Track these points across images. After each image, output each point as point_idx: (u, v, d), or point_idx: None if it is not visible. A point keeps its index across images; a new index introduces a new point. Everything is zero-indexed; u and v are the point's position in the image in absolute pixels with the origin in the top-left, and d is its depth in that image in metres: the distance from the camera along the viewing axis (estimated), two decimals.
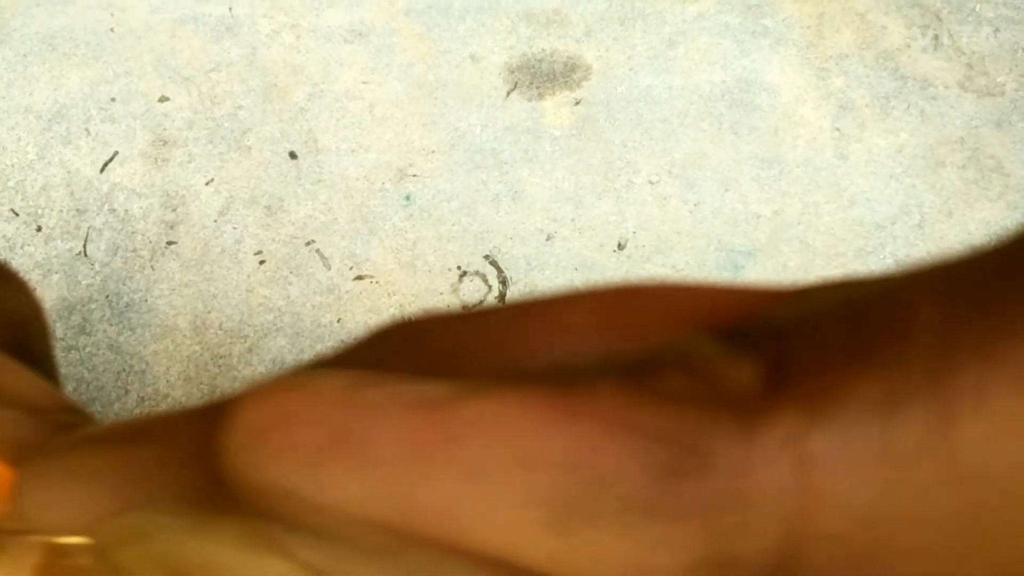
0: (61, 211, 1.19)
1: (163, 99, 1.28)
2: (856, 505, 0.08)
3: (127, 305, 1.14)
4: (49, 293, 1.14)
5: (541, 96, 1.27)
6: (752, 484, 0.08)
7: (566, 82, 1.29)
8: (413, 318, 0.11)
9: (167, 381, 1.09)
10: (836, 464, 0.08)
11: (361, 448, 0.09)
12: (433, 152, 1.23)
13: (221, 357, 1.10)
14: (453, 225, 1.18)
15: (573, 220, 1.19)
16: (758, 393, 0.09)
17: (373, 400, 0.09)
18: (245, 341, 1.12)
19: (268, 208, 1.20)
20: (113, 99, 1.27)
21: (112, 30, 1.33)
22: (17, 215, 1.19)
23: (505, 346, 0.10)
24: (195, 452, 0.11)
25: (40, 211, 1.19)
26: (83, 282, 1.15)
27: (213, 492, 0.10)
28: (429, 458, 0.09)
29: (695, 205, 1.20)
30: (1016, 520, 0.08)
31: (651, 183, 1.21)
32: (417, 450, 0.09)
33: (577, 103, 1.27)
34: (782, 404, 0.08)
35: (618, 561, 0.09)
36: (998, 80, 1.29)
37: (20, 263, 1.16)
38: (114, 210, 1.20)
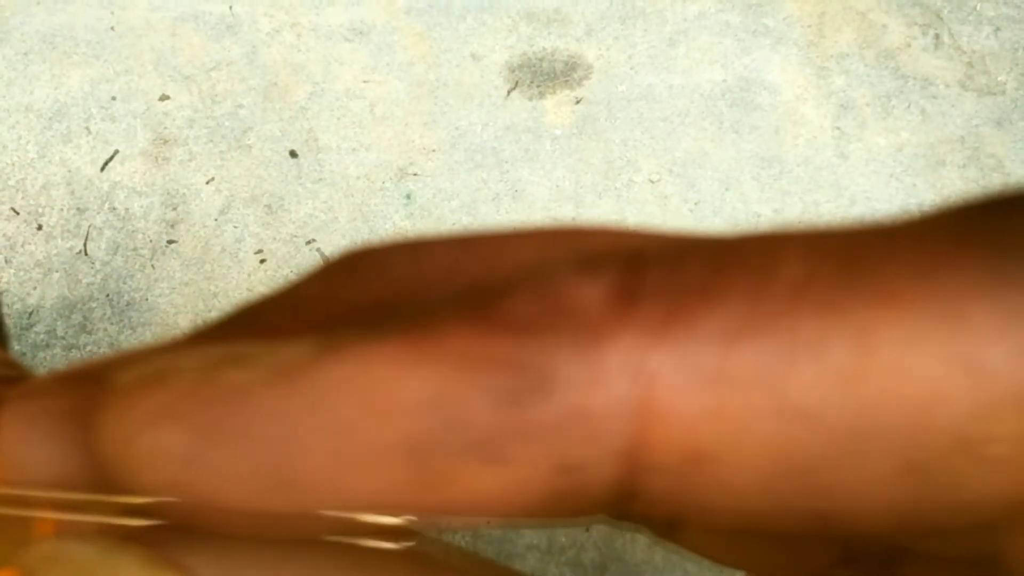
0: (62, 210, 1.19)
1: (164, 98, 1.28)
2: (688, 420, 0.09)
3: (128, 304, 1.14)
4: (50, 292, 1.14)
5: (542, 95, 1.27)
6: (594, 401, 0.09)
7: (567, 81, 1.28)
8: (372, 245, 0.11)
9: None
10: (674, 380, 0.09)
11: (230, 435, 0.09)
12: (434, 151, 1.23)
13: None
14: (454, 224, 1.18)
15: (573, 219, 1.19)
16: (605, 314, 0.09)
17: (232, 382, 0.09)
18: None
19: (269, 207, 1.20)
20: (113, 98, 1.27)
21: (112, 28, 1.32)
22: (18, 214, 1.19)
23: (455, 278, 0.11)
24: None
25: (41, 210, 1.19)
26: (84, 281, 1.15)
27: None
28: (297, 428, 0.09)
29: (696, 204, 1.20)
30: (832, 460, 0.09)
31: (652, 182, 1.21)
32: (284, 423, 0.09)
33: (578, 102, 1.27)
34: (627, 325, 0.09)
35: (476, 485, 0.09)
36: (999, 79, 1.28)
37: (21, 262, 1.16)
38: (115, 209, 1.20)
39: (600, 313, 0.09)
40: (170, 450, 0.09)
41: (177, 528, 0.10)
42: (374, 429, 0.09)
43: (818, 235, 0.09)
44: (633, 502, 0.09)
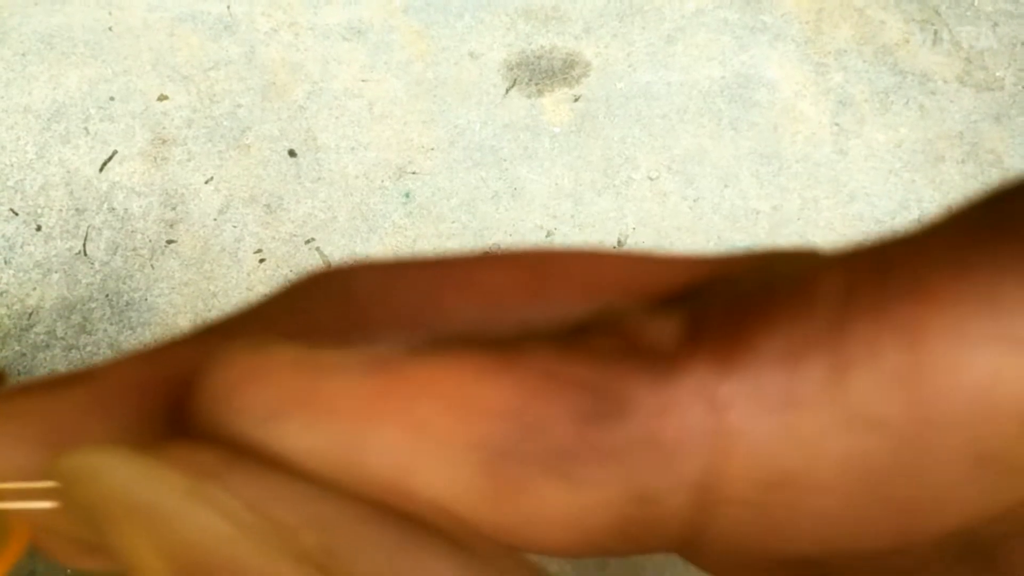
0: (61, 210, 1.19)
1: (162, 98, 1.28)
2: (762, 444, 0.09)
3: (127, 304, 1.14)
4: (49, 292, 1.14)
5: (540, 93, 1.27)
6: (669, 427, 0.09)
7: (565, 79, 1.28)
8: (342, 265, 0.12)
9: None
10: (745, 408, 0.09)
11: (314, 404, 0.09)
12: (432, 149, 1.23)
13: None
14: (453, 223, 1.18)
15: (573, 217, 1.19)
16: (676, 347, 0.09)
17: (327, 361, 0.10)
18: None
19: (268, 206, 1.20)
20: (112, 98, 1.27)
21: (110, 29, 1.32)
22: (17, 215, 1.19)
23: (429, 302, 0.11)
24: (126, 391, 0.11)
25: (40, 210, 1.19)
26: (83, 281, 1.15)
27: (151, 424, 0.11)
28: (377, 412, 0.09)
29: (694, 201, 1.20)
30: (903, 464, 0.09)
31: (650, 179, 1.21)
32: (365, 405, 0.09)
33: (576, 100, 1.27)
34: (697, 355, 0.09)
35: (546, 501, 0.09)
36: (997, 75, 1.28)
37: (20, 262, 1.16)
38: (113, 209, 1.20)
39: (672, 347, 0.09)
40: (262, 405, 0.10)
41: (218, 446, 0.10)
42: (453, 428, 0.09)
43: (852, 251, 0.10)
44: (703, 536, 0.10)
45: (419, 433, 0.09)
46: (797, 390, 0.09)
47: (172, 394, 0.11)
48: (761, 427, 0.09)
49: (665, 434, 0.09)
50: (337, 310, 0.11)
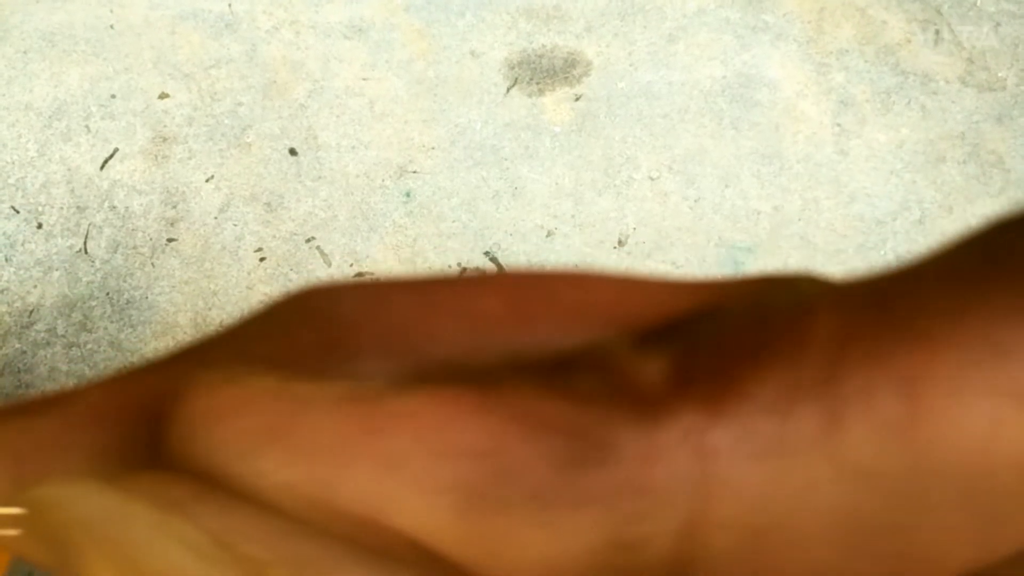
0: (61, 208, 1.20)
1: (163, 96, 1.28)
2: (750, 494, 0.09)
3: (128, 302, 1.14)
4: (50, 290, 1.14)
5: (541, 92, 1.27)
6: (653, 473, 0.09)
7: (566, 78, 1.28)
8: (324, 285, 0.11)
9: None
10: (733, 456, 0.09)
11: (288, 439, 0.09)
12: (433, 149, 1.23)
13: None
14: (453, 222, 1.18)
15: (573, 216, 1.19)
16: (663, 389, 0.09)
17: (302, 394, 0.10)
18: None
19: (268, 205, 1.20)
20: (113, 96, 1.27)
21: (112, 27, 1.32)
22: (18, 212, 1.19)
23: (412, 327, 0.11)
24: (97, 418, 0.11)
25: (40, 208, 1.20)
26: (84, 279, 1.15)
27: (120, 453, 0.10)
28: (352, 448, 0.09)
29: (695, 201, 1.20)
30: (897, 516, 0.09)
31: (651, 179, 1.21)
32: (340, 441, 0.09)
33: (577, 99, 1.27)
34: (685, 399, 0.09)
35: (524, 546, 0.09)
36: (999, 75, 1.28)
37: (21, 260, 1.16)
38: (114, 207, 1.20)
39: (659, 389, 0.09)
40: (238, 437, 0.09)
41: (189, 478, 0.10)
42: (428, 468, 0.09)
43: (847, 287, 0.09)
44: None
45: (394, 471, 0.09)
46: (788, 438, 0.09)
47: (145, 422, 0.11)
48: (749, 476, 0.09)
49: (649, 481, 0.09)
50: (318, 334, 0.11)
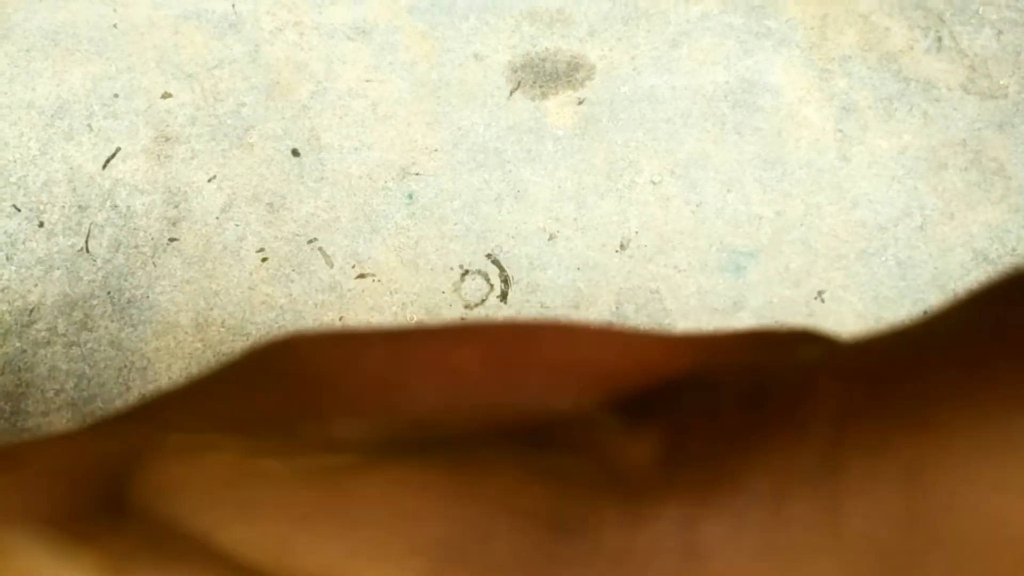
0: (63, 207, 1.19)
1: (166, 95, 1.28)
2: None
3: (129, 301, 1.14)
4: (51, 289, 1.14)
5: (544, 95, 1.27)
6: (638, 571, 0.08)
7: (569, 81, 1.29)
8: (293, 337, 0.11)
9: (169, 378, 1.09)
10: (724, 554, 0.08)
11: (251, 514, 0.09)
12: (436, 151, 1.23)
13: (223, 354, 1.10)
14: (455, 224, 1.18)
15: (575, 220, 1.19)
16: (650, 476, 0.09)
17: (266, 468, 0.09)
18: (247, 339, 1.12)
19: (270, 205, 1.20)
20: (116, 95, 1.27)
21: (115, 26, 1.32)
22: (19, 211, 1.19)
23: (386, 384, 0.10)
24: (58, 477, 0.10)
25: (42, 207, 1.19)
26: (85, 278, 1.15)
27: (75, 519, 0.10)
28: (313, 529, 0.09)
29: (697, 206, 1.20)
30: None
31: (654, 183, 1.21)
32: (303, 520, 0.09)
33: (580, 103, 1.27)
34: (672, 489, 0.08)
35: None
36: (1001, 82, 1.29)
37: (22, 259, 1.16)
38: (116, 206, 1.20)
39: (645, 475, 0.09)
40: (199, 509, 0.09)
41: (141, 543, 0.09)
42: (393, 556, 0.09)
43: (848, 355, 0.09)
44: None
45: (356, 556, 0.09)
46: (784, 533, 0.08)
47: (101, 485, 0.10)
48: (742, 572, 0.08)
49: None
50: (287, 393, 0.10)
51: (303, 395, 0.10)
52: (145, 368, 1.10)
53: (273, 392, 0.10)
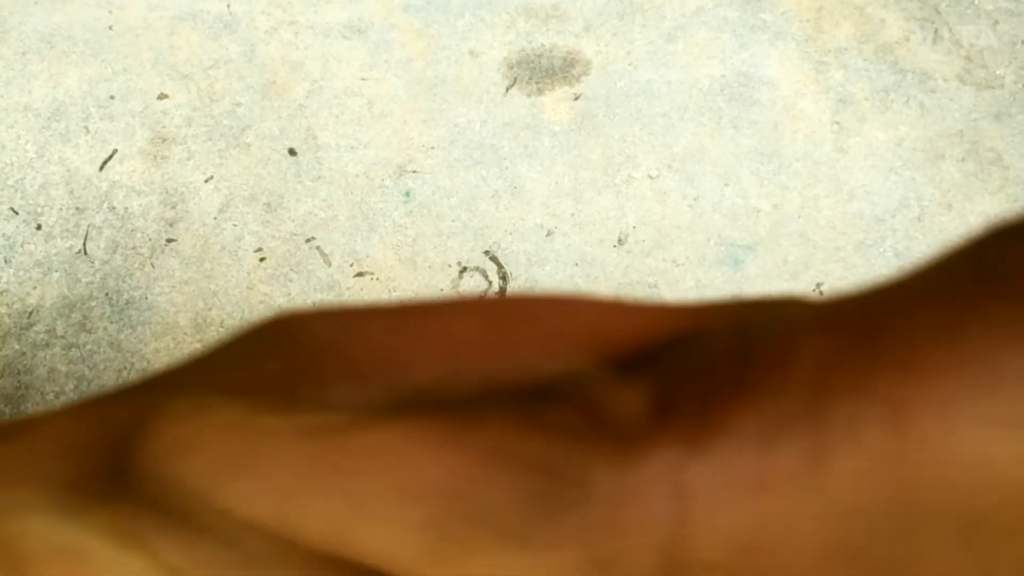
0: (61, 209, 1.19)
1: (162, 96, 1.28)
2: (730, 534, 0.08)
3: (127, 303, 1.14)
4: (49, 291, 1.14)
5: (540, 91, 1.27)
6: (628, 513, 0.08)
7: (565, 77, 1.28)
8: (295, 313, 0.11)
9: None
10: (711, 494, 0.08)
11: (250, 472, 0.09)
12: (432, 148, 1.23)
13: None
14: (453, 221, 1.18)
15: (573, 215, 1.19)
16: (641, 424, 0.09)
17: (265, 426, 0.09)
18: None
19: (268, 205, 1.20)
20: (112, 97, 1.27)
21: (110, 28, 1.32)
22: (17, 213, 1.19)
23: (385, 353, 0.10)
24: (62, 447, 0.11)
25: (40, 209, 1.19)
26: (83, 280, 1.15)
27: (83, 484, 0.10)
28: (317, 483, 0.09)
29: (695, 199, 1.20)
30: (885, 553, 0.08)
31: (651, 178, 1.21)
32: (306, 475, 0.09)
33: (576, 98, 1.27)
34: (662, 435, 0.09)
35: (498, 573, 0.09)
36: (997, 73, 1.28)
37: (20, 261, 1.16)
38: (114, 208, 1.20)
39: (636, 424, 0.09)
40: (203, 466, 0.09)
41: (149, 510, 0.10)
42: (393, 505, 0.09)
43: (832, 307, 0.09)
44: None
45: (360, 508, 0.09)
46: (770, 474, 0.08)
47: (111, 452, 0.10)
48: (730, 514, 0.08)
49: (624, 521, 0.08)
50: (287, 363, 0.10)
51: (303, 364, 0.10)
52: (145, 369, 1.10)
53: (274, 362, 0.11)
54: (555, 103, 1.26)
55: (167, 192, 1.20)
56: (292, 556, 0.09)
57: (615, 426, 0.09)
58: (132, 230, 1.18)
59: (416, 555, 0.09)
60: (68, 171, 1.22)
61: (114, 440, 0.10)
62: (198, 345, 1.11)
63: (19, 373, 1.10)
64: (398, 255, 1.16)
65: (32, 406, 1.08)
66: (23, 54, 1.30)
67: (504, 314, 0.10)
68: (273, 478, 0.09)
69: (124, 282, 1.15)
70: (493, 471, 0.09)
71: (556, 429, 0.09)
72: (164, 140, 1.24)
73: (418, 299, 0.11)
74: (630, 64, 1.29)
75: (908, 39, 1.31)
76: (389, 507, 0.09)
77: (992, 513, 0.08)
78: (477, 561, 0.09)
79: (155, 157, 1.23)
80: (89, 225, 1.18)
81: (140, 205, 1.20)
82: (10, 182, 1.21)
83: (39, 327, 1.12)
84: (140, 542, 0.09)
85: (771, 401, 0.08)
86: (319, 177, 1.21)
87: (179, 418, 0.10)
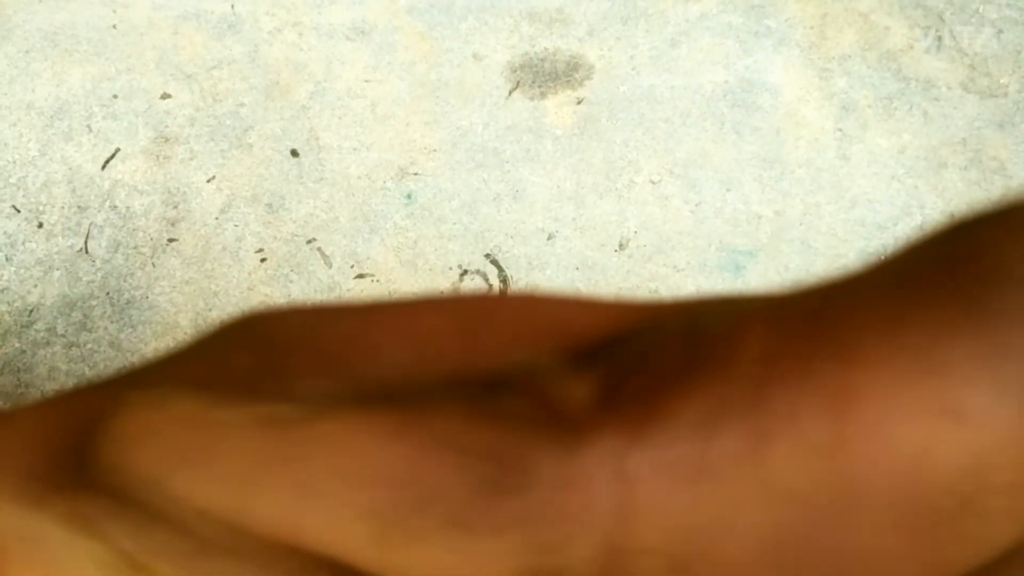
0: (62, 208, 1.20)
1: (165, 96, 1.28)
2: (673, 520, 0.08)
3: (128, 302, 1.14)
4: (50, 290, 1.14)
5: (543, 95, 1.27)
6: (571, 499, 0.09)
7: (568, 81, 1.28)
8: (267, 309, 0.11)
9: None
10: (654, 480, 0.08)
11: (205, 461, 0.09)
12: (435, 151, 1.23)
13: None
14: (454, 224, 1.18)
15: (574, 219, 1.19)
16: (587, 412, 0.09)
17: (220, 417, 0.10)
18: None
19: (269, 206, 1.20)
20: (115, 96, 1.27)
21: (114, 27, 1.33)
22: (19, 212, 1.19)
23: (355, 348, 0.10)
24: (31, 438, 0.11)
25: (41, 208, 1.19)
26: (84, 279, 1.15)
27: (45, 474, 0.10)
28: (266, 472, 0.09)
29: (696, 205, 1.20)
30: (826, 541, 0.08)
31: (652, 183, 1.21)
32: (256, 464, 0.09)
33: (579, 102, 1.27)
34: (607, 423, 0.09)
35: (441, 572, 0.09)
36: (1001, 81, 1.28)
37: (21, 259, 1.16)
38: (115, 207, 1.20)
39: (583, 411, 0.09)
40: (157, 458, 0.10)
41: (105, 497, 0.10)
42: (340, 493, 0.09)
43: (782, 300, 0.09)
44: None
45: (309, 497, 0.09)
46: (711, 461, 0.08)
47: (71, 443, 0.11)
48: (671, 501, 0.08)
49: (566, 507, 0.09)
50: (254, 357, 0.11)
51: (272, 358, 0.11)
52: None
53: (243, 356, 0.11)
54: (558, 107, 1.26)
55: (169, 192, 1.21)
56: (245, 544, 0.09)
57: (562, 415, 0.09)
58: (134, 229, 1.18)
59: (362, 541, 0.09)
60: (70, 170, 1.22)
61: (77, 431, 0.11)
62: None
63: (19, 371, 1.10)
64: (399, 257, 1.16)
65: None
66: (27, 52, 1.30)
67: (473, 310, 0.11)
68: (226, 467, 0.09)
69: (125, 281, 1.15)
70: (439, 459, 0.09)
71: (505, 418, 0.09)
72: (167, 140, 1.24)
73: (387, 298, 0.11)
74: (633, 69, 1.29)
75: (912, 47, 1.31)
76: (337, 495, 0.09)
77: (930, 500, 0.08)
78: (421, 546, 0.09)
79: (157, 157, 1.23)
80: (91, 224, 1.18)
81: (142, 204, 1.20)
82: (12, 180, 1.21)
83: (39, 325, 1.12)
84: (94, 528, 0.10)
85: (714, 390, 0.08)
86: (321, 178, 1.21)
87: (138, 409, 0.10)
